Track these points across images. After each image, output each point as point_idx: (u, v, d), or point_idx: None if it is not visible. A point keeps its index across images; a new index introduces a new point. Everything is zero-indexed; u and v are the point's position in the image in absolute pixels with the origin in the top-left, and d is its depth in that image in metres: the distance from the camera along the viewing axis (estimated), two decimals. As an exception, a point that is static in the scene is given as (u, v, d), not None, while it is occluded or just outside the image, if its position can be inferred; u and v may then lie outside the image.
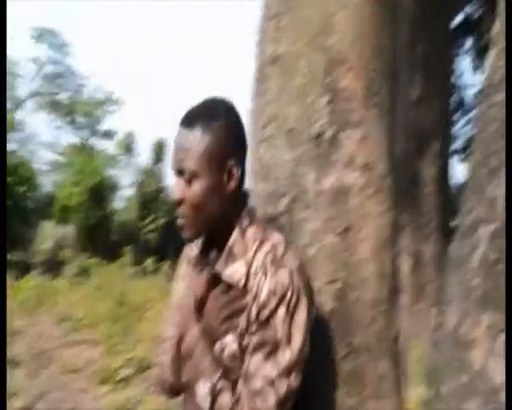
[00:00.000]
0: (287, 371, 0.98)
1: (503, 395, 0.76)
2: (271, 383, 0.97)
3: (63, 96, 23.07)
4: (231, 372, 1.05)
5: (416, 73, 6.05)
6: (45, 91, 22.40)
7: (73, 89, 23.41)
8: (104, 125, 23.10)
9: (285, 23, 1.48)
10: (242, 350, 1.02)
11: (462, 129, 14.68)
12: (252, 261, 1.04)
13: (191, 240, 1.12)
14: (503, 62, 0.88)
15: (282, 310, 0.98)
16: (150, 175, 16.20)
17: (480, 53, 12.61)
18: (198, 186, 1.03)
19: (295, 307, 0.99)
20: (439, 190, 6.55)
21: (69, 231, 13.53)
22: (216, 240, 1.12)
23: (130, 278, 10.48)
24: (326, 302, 1.27)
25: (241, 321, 1.03)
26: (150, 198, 15.77)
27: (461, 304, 0.89)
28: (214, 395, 1.06)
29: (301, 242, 1.32)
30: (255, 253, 1.05)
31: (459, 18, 11.58)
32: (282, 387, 0.97)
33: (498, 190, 0.83)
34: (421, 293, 6.40)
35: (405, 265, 5.77)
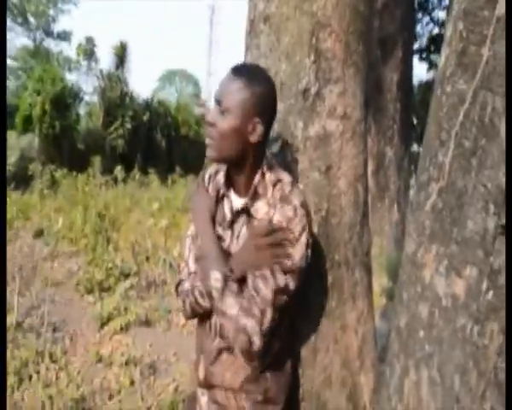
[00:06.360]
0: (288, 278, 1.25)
1: (445, 302, 1.12)
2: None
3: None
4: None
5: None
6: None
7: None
8: (58, 26, 21.80)
9: (274, -16, 1.66)
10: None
11: (424, 28, 14.67)
12: (270, 200, 1.31)
13: (213, 160, 1.34)
14: (454, 55, 1.15)
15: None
16: (113, 80, 15.68)
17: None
18: (228, 121, 1.27)
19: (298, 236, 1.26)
20: (401, 95, 6.87)
21: (33, 141, 13.28)
22: (234, 179, 1.37)
23: (101, 187, 10.48)
24: (313, 227, 1.60)
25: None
26: (115, 104, 15.33)
27: (417, 237, 1.23)
28: (226, 280, 1.26)
29: (292, 179, 1.60)
30: (272, 193, 1.32)
31: None
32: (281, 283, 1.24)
33: (445, 156, 1.14)
34: (382, 192, 6.89)
35: (369, 166, 6.14)
